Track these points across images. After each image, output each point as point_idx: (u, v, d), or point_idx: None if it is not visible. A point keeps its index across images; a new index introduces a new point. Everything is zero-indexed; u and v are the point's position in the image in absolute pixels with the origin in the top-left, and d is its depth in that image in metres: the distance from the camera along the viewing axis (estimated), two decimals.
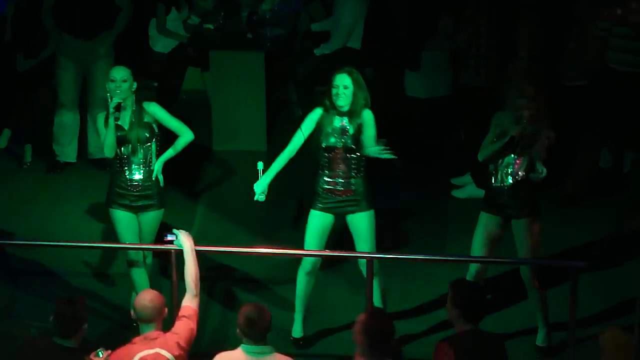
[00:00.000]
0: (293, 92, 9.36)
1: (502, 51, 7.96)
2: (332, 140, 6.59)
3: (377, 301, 6.74)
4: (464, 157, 8.22)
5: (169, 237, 5.82)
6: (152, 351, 5.34)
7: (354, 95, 6.50)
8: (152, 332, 5.41)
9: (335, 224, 6.74)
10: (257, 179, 6.75)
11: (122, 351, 5.38)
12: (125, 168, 6.66)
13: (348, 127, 6.58)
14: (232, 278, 7.49)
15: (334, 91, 6.51)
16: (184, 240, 5.85)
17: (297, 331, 6.88)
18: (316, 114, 6.63)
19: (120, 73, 6.63)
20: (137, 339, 5.42)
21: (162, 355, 5.35)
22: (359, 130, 6.54)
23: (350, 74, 6.50)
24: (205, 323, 6.85)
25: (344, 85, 6.49)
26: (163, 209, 6.79)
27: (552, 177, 8.26)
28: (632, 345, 5.10)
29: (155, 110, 6.69)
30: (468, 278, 6.54)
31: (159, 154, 6.76)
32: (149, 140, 6.66)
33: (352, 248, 6.73)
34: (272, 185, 8.68)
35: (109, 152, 6.61)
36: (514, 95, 6.54)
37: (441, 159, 8.52)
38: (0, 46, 8.47)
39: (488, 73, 7.94)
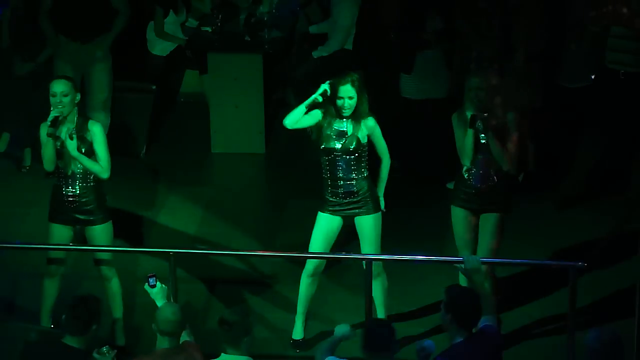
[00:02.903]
0: (291, 95, 9.36)
1: (502, 53, 7.97)
2: (331, 142, 6.61)
3: (378, 302, 6.74)
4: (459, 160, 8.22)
5: (151, 282, 5.83)
6: None
7: (358, 101, 6.53)
8: (174, 346, 5.46)
9: (345, 226, 6.73)
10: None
11: None
12: (62, 182, 6.59)
13: (347, 129, 6.60)
14: (232, 280, 7.49)
15: (339, 102, 6.54)
16: (157, 294, 5.84)
17: (297, 333, 6.88)
18: (316, 112, 6.63)
19: (60, 87, 6.50)
20: (160, 351, 5.45)
21: None
22: (360, 133, 6.55)
23: (353, 84, 6.52)
24: (204, 326, 6.85)
25: (349, 97, 6.53)
26: (108, 223, 6.63)
27: (551, 178, 8.31)
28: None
29: (95, 132, 6.54)
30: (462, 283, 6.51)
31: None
32: (86, 155, 6.52)
33: (358, 250, 6.73)
34: (272, 187, 8.72)
35: (47, 165, 6.55)
36: (469, 80, 6.56)
37: (438, 160, 8.52)
38: None
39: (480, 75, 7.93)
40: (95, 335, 5.45)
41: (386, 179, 6.71)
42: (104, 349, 5.48)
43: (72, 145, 6.45)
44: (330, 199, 6.66)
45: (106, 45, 8.49)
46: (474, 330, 5.28)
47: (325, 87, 6.58)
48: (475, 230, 6.70)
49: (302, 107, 6.61)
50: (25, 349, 5.54)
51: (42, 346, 5.55)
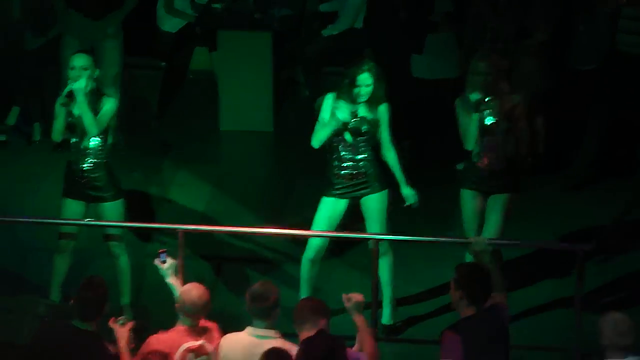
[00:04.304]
0: (300, 73, 9.35)
1: (517, 35, 7.95)
2: (341, 123, 6.59)
3: (384, 281, 6.75)
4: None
5: (162, 258, 5.84)
6: (197, 343, 5.42)
7: (374, 89, 6.53)
8: (197, 325, 5.48)
9: (349, 208, 6.73)
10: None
11: (165, 338, 5.44)
12: (75, 158, 6.61)
13: (358, 111, 6.59)
14: (239, 258, 7.51)
15: (355, 90, 6.52)
16: (167, 270, 5.85)
17: None
18: (329, 99, 6.62)
19: (80, 61, 6.52)
20: (180, 329, 5.47)
21: (205, 349, 5.43)
22: (371, 116, 6.55)
23: (370, 71, 6.51)
24: (212, 303, 6.86)
25: (366, 85, 6.52)
26: (119, 201, 6.67)
27: (560, 160, 8.31)
28: (632, 328, 5.10)
29: (107, 108, 6.57)
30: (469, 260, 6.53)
31: (113, 147, 6.67)
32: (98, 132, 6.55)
33: (362, 230, 6.74)
34: (280, 165, 8.72)
35: (54, 135, 6.60)
36: (473, 63, 6.53)
37: (448, 140, 8.51)
38: (9, 24, 8.46)
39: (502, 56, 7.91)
40: (104, 315, 5.46)
41: (400, 167, 6.67)
42: (121, 320, 5.53)
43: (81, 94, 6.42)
44: (336, 182, 6.65)
45: (117, 21, 8.48)
46: (483, 307, 5.31)
47: (329, 101, 6.54)
48: (483, 211, 6.71)
49: (320, 125, 6.58)
50: (36, 335, 5.55)
51: (53, 330, 5.55)
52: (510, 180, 6.66)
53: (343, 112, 6.58)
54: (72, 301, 5.42)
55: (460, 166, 8.33)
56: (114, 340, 5.45)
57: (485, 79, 6.47)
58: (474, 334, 5.21)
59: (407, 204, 6.68)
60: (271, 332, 5.36)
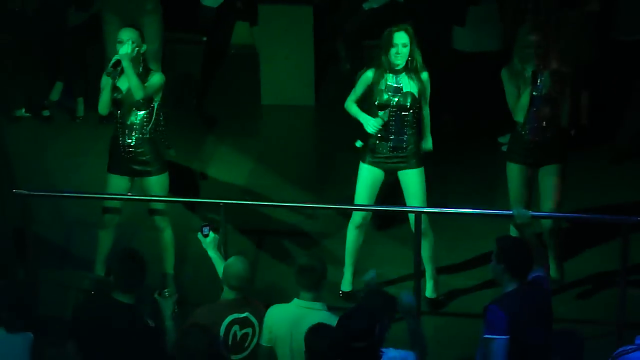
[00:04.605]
0: (341, 47, 9.31)
1: (560, 6, 7.86)
2: (385, 97, 6.57)
3: (425, 258, 6.75)
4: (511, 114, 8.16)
5: (205, 232, 5.87)
6: (242, 315, 5.46)
7: (411, 52, 6.49)
8: (241, 298, 5.52)
9: (386, 179, 6.73)
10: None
11: (211, 309, 5.50)
12: (120, 133, 6.65)
13: (401, 85, 6.56)
14: (281, 232, 7.53)
15: (393, 50, 6.49)
16: (210, 244, 5.88)
17: (346, 285, 6.92)
18: (367, 76, 6.60)
19: (127, 34, 6.57)
20: (225, 302, 5.52)
21: (251, 321, 5.48)
22: (415, 88, 6.52)
23: (407, 31, 6.48)
24: (255, 276, 6.90)
25: (402, 44, 6.48)
26: (164, 174, 6.72)
27: (605, 132, 8.23)
28: None
29: (154, 80, 6.63)
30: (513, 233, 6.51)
31: (158, 122, 6.70)
32: (144, 106, 6.61)
33: (403, 203, 6.73)
34: (321, 139, 8.72)
35: (101, 108, 6.62)
36: (522, 34, 6.47)
37: (489, 113, 8.46)
38: (54, 0, 8.51)
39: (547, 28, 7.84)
40: (143, 288, 5.51)
41: (428, 124, 6.66)
42: (166, 292, 5.58)
43: (127, 60, 6.46)
44: (376, 150, 6.64)
45: None
46: (525, 281, 5.28)
47: (368, 76, 6.53)
48: (530, 185, 6.67)
49: (353, 97, 6.61)
50: (76, 307, 5.62)
51: (93, 303, 5.63)
52: (558, 151, 6.63)
53: (385, 83, 6.55)
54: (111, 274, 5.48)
55: (502, 139, 8.28)
56: (155, 313, 5.50)
57: (536, 51, 6.41)
58: (517, 308, 5.19)
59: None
60: (317, 304, 5.39)
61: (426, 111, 6.68)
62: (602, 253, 6.76)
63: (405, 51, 6.48)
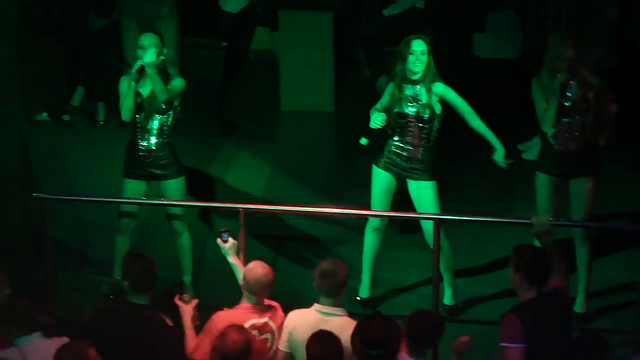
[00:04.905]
0: (361, 53, 9.32)
1: (583, 13, 7.84)
2: (404, 107, 6.55)
3: (443, 266, 6.72)
4: (532, 121, 8.12)
5: (224, 237, 5.88)
6: (262, 320, 5.47)
7: (428, 61, 6.47)
8: (261, 303, 5.53)
9: (398, 187, 6.72)
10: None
11: (230, 315, 5.49)
12: (139, 137, 6.68)
13: (420, 95, 6.54)
14: (300, 237, 7.53)
15: (411, 57, 6.46)
16: (229, 249, 5.89)
17: (364, 291, 6.91)
18: (389, 86, 6.58)
19: (148, 39, 6.60)
20: (245, 306, 5.53)
21: (270, 327, 5.48)
22: (434, 99, 6.49)
23: (424, 40, 6.46)
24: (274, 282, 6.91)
25: (421, 51, 6.46)
26: (181, 178, 6.75)
27: (627, 139, 8.19)
28: None
29: (175, 85, 6.66)
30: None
31: (174, 126, 6.72)
32: (165, 111, 6.64)
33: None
34: (340, 146, 8.73)
35: (125, 115, 6.64)
36: (553, 45, 6.44)
37: (509, 120, 8.44)
38: (74, 5, 8.56)
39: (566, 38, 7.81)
40: (156, 288, 5.52)
41: (486, 127, 6.58)
42: (185, 297, 5.59)
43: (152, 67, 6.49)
44: (388, 156, 6.62)
45: (171, 1, 8.52)
46: (543, 290, 5.26)
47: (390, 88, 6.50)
48: (558, 195, 6.60)
49: (377, 110, 6.58)
50: (94, 313, 5.64)
51: (109, 308, 5.65)
52: (589, 162, 6.56)
53: (402, 92, 6.53)
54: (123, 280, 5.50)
55: (522, 146, 8.27)
56: (174, 317, 5.51)
57: (568, 63, 6.35)
58: (535, 317, 5.17)
59: (500, 162, 6.56)
60: (338, 310, 5.39)
61: (477, 119, 6.56)
62: (623, 262, 6.72)
63: (423, 59, 6.46)
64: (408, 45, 6.46)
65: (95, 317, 5.55)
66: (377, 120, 6.48)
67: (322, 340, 4.96)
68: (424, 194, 6.61)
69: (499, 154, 6.58)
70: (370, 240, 6.79)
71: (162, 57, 6.64)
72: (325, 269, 5.38)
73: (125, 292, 5.46)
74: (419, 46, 6.46)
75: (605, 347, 5.14)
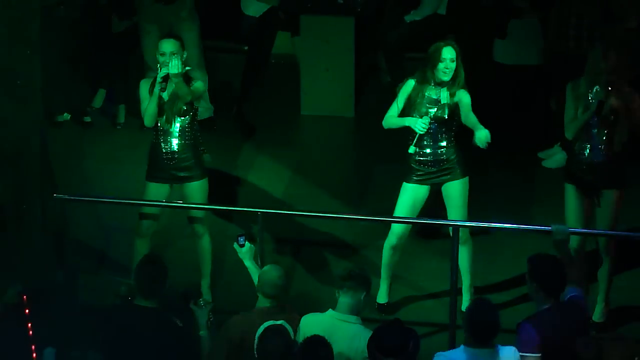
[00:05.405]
0: (382, 59, 9.32)
1: (606, 21, 7.81)
2: (424, 110, 6.56)
3: (464, 269, 6.72)
4: (552, 129, 8.11)
5: (241, 242, 5.89)
6: (277, 322, 5.46)
7: (457, 67, 6.47)
8: (276, 306, 5.55)
9: (431, 193, 6.70)
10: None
11: (246, 317, 5.52)
12: (162, 140, 6.69)
13: (441, 98, 6.54)
14: (318, 242, 7.53)
15: (441, 65, 6.46)
16: (245, 253, 5.91)
17: (382, 297, 6.91)
18: (409, 86, 6.59)
19: (169, 46, 6.62)
20: (261, 309, 5.55)
21: (286, 329, 5.46)
22: (453, 101, 6.50)
23: (454, 47, 6.46)
24: (290, 286, 6.91)
25: (451, 59, 6.46)
26: (204, 180, 6.77)
27: None
28: None
29: (197, 88, 6.68)
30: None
31: (194, 127, 6.72)
32: (186, 113, 6.66)
33: (444, 215, 6.71)
34: (360, 151, 8.72)
35: (149, 121, 6.66)
36: (595, 59, 6.40)
37: (528, 128, 8.42)
38: (97, 8, 8.60)
39: (590, 43, 7.79)
40: (166, 292, 5.53)
41: (475, 119, 6.51)
42: (201, 301, 5.61)
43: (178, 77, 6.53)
44: (417, 167, 6.63)
45: (190, 4, 8.54)
46: (561, 299, 5.25)
47: (409, 87, 6.50)
48: (587, 205, 6.55)
49: (394, 110, 6.58)
50: (98, 316, 5.65)
51: (117, 312, 5.66)
52: (616, 175, 6.50)
53: (423, 96, 6.54)
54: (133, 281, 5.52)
55: (542, 154, 8.24)
56: (189, 320, 5.52)
57: (608, 78, 6.30)
58: (550, 327, 5.16)
59: (480, 143, 6.45)
60: (352, 318, 5.39)
61: (482, 130, 6.48)
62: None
63: (452, 66, 6.47)
64: (439, 52, 6.47)
65: (100, 321, 5.56)
66: (423, 124, 6.47)
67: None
68: (453, 193, 6.61)
69: (479, 134, 6.43)
70: (387, 255, 6.79)
71: (187, 67, 6.65)
72: (353, 273, 5.45)
73: (134, 295, 5.50)
74: (449, 54, 6.46)
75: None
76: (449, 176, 6.62)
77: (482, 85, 7.77)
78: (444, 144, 6.58)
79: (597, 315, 6.62)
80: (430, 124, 6.54)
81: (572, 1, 7.90)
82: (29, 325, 5.88)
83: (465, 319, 5.17)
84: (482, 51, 8.47)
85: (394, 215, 6.68)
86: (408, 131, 6.61)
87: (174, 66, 6.53)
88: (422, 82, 6.55)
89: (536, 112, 8.50)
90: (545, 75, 8.38)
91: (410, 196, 6.65)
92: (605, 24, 7.82)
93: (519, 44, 8.39)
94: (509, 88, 8.48)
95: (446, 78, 6.49)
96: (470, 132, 6.55)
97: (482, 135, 6.41)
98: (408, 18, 8.98)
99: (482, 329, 5.06)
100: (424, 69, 6.54)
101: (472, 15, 8.43)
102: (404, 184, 6.67)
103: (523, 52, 8.40)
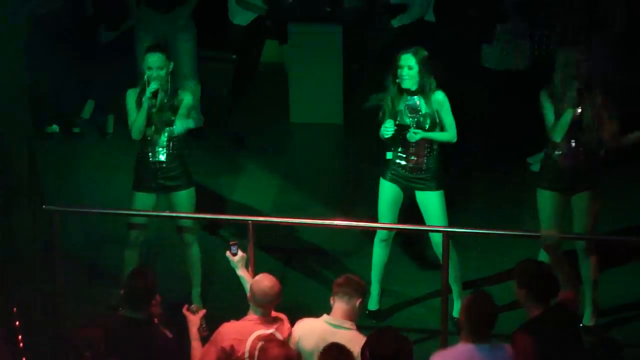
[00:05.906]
0: (370, 65, 9.34)
1: (588, 26, 7.83)
2: (405, 119, 6.54)
3: (451, 277, 6.72)
4: (540, 134, 8.12)
5: (233, 250, 5.90)
6: (268, 332, 5.48)
7: (420, 74, 6.43)
8: (268, 315, 5.55)
9: (405, 198, 6.71)
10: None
11: (237, 326, 5.52)
12: (149, 150, 6.69)
13: (420, 107, 6.53)
14: (309, 250, 7.54)
15: (399, 72, 6.44)
16: (237, 262, 5.92)
17: (373, 304, 6.91)
18: (388, 101, 6.55)
19: (155, 61, 6.60)
20: (252, 318, 5.55)
21: (277, 338, 5.48)
22: (433, 109, 6.48)
23: (415, 54, 6.42)
24: (282, 294, 6.91)
25: (408, 66, 6.41)
26: (192, 189, 6.77)
27: (634, 152, 8.17)
28: None
29: (186, 101, 6.68)
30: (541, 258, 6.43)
31: (181, 137, 6.73)
32: (173, 123, 6.65)
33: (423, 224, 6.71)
34: (349, 158, 8.74)
35: (136, 134, 6.65)
36: (563, 50, 6.41)
37: (516, 132, 8.44)
38: (83, 18, 8.60)
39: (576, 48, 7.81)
40: (154, 304, 5.53)
41: (440, 137, 6.50)
42: (194, 307, 5.61)
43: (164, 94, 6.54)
44: (395, 168, 6.60)
45: (186, 14, 8.56)
46: (551, 303, 5.25)
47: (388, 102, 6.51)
48: (563, 211, 6.53)
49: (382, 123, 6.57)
50: (82, 327, 5.61)
51: (107, 319, 5.67)
52: (591, 177, 6.48)
53: (402, 104, 6.51)
54: (121, 291, 5.51)
55: (531, 159, 8.26)
56: (180, 328, 5.52)
57: (578, 69, 6.31)
58: (545, 333, 5.15)
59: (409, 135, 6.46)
60: (347, 323, 5.39)
61: (450, 134, 6.50)
62: (632, 275, 6.70)
63: (411, 73, 6.42)
64: (397, 59, 6.45)
65: (84, 332, 5.51)
66: (387, 128, 6.46)
67: (334, 354, 4.95)
68: (431, 204, 6.60)
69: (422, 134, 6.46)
70: (378, 251, 6.80)
71: (168, 72, 6.62)
72: (351, 279, 5.45)
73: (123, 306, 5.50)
74: (406, 61, 6.42)
75: (620, 350, 5.13)
76: (422, 186, 6.60)
77: (470, 90, 7.83)
78: (426, 153, 6.55)
79: (586, 319, 6.62)
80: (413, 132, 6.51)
81: (557, 7, 7.94)
82: (19, 337, 5.87)
83: (463, 312, 5.16)
84: (469, 56, 8.50)
85: (378, 210, 6.68)
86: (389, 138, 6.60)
87: (161, 82, 6.53)
88: (398, 92, 6.52)
89: (524, 117, 8.52)
90: (532, 79, 8.40)
91: (389, 193, 6.65)
92: (591, 30, 7.85)
93: (506, 48, 8.42)
94: (496, 92, 8.50)
95: (407, 85, 6.44)
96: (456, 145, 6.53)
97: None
98: (395, 22, 9.00)
99: (481, 320, 5.06)
100: (392, 79, 6.51)
101: (459, 20, 8.45)
102: (381, 178, 6.67)
103: (510, 56, 8.43)
